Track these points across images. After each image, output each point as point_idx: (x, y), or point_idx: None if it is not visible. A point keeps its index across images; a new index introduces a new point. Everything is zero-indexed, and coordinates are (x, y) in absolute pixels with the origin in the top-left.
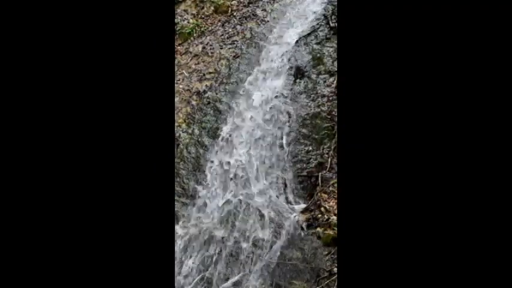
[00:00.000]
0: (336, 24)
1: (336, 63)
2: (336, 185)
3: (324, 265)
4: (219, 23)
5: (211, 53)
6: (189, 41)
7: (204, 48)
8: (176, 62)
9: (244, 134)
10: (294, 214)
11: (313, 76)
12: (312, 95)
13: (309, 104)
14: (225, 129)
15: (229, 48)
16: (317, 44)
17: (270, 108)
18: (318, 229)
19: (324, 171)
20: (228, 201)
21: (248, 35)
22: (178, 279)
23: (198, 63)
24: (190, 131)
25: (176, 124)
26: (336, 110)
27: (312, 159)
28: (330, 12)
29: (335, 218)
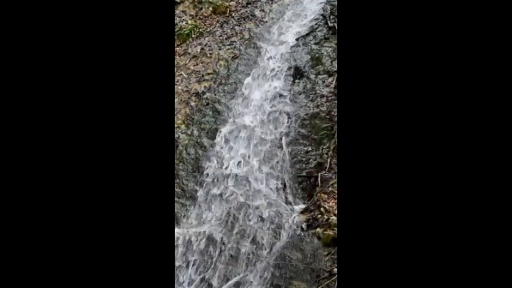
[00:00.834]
0: (335, 24)
1: (334, 63)
2: (335, 185)
3: (324, 265)
4: (218, 24)
5: (210, 53)
6: (188, 42)
7: (202, 49)
8: (175, 63)
9: (243, 135)
10: (294, 214)
11: (312, 76)
12: (311, 95)
13: (308, 104)
14: (224, 130)
15: (228, 49)
16: (316, 44)
17: (269, 108)
18: (318, 229)
19: (324, 172)
20: (227, 202)
21: (247, 36)
22: (179, 280)
23: (197, 64)
24: (189, 132)
25: (175, 125)
26: (335, 110)
27: (311, 160)
28: (329, 12)
29: (335, 218)
